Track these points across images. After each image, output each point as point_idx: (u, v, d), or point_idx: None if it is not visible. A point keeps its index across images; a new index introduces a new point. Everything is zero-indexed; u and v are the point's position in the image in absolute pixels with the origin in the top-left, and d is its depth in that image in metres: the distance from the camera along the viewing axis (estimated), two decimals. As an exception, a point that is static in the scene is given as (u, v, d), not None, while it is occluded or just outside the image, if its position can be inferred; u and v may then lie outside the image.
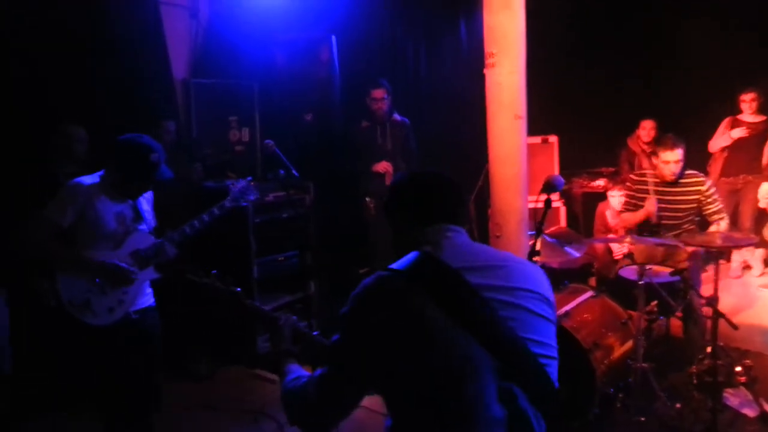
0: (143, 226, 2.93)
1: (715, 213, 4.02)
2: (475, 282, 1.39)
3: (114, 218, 2.80)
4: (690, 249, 4.01)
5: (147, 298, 2.97)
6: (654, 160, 4.16)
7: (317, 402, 1.47)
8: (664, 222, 4.12)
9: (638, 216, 4.16)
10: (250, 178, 4.52)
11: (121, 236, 2.83)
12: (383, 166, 4.91)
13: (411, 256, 1.45)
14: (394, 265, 1.44)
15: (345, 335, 1.44)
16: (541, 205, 2.51)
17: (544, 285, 1.52)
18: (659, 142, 4.18)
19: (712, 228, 3.95)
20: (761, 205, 5.49)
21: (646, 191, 4.15)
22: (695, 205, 4.05)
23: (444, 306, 1.34)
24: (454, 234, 1.53)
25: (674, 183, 4.04)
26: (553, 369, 1.43)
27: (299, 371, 1.66)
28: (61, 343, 3.04)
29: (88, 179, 2.78)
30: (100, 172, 2.84)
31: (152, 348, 2.96)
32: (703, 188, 4.02)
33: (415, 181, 1.65)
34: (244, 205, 3.37)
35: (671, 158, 3.95)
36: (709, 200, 4.02)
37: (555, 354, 1.46)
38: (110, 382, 2.84)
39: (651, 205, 4.05)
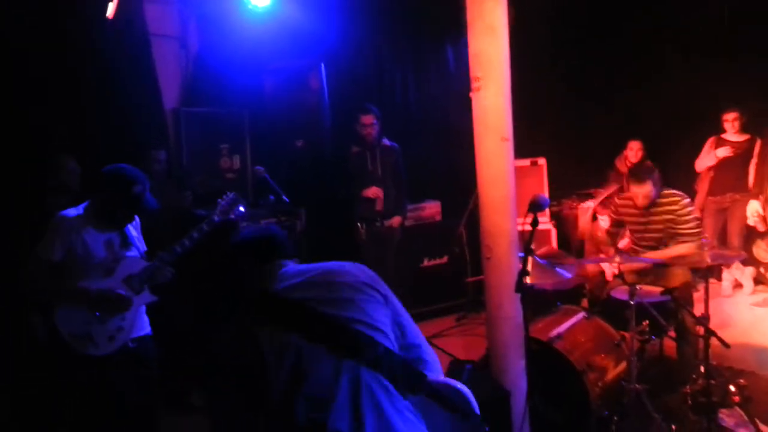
0: (132, 252, 2.93)
1: (687, 235, 3.93)
2: (298, 296, 1.76)
3: (103, 247, 2.81)
4: (681, 271, 4.02)
5: (144, 326, 2.96)
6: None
7: None
8: (645, 243, 4.15)
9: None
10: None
11: (112, 264, 2.83)
12: (373, 192, 4.94)
13: (246, 296, 1.85)
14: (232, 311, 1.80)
15: (212, 385, 1.83)
16: (528, 226, 2.52)
17: (360, 274, 1.87)
18: (631, 172, 4.28)
19: (680, 247, 3.95)
20: (750, 222, 5.53)
21: (627, 214, 4.21)
22: (670, 224, 4.04)
23: (277, 325, 1.69)
24: (281, 267, 1.92)
25: (652, 205, 4.08)
26: (379, 336, 1.73)
27: None
28: (57, 376, 3.00)
29: (73, 211, 2.80)
30: (85, 203, 2.86)
31: (149, 376, 2.93)
32: (676, 207, 3.97)
33: (240, 244, 2.01)
34: (233, 219, 3.36)
35: (639, 191, 4.02)
36: (681, 219, 3.96)
37: (376, 324, 1.76)
38: (109, 412, 2.80)
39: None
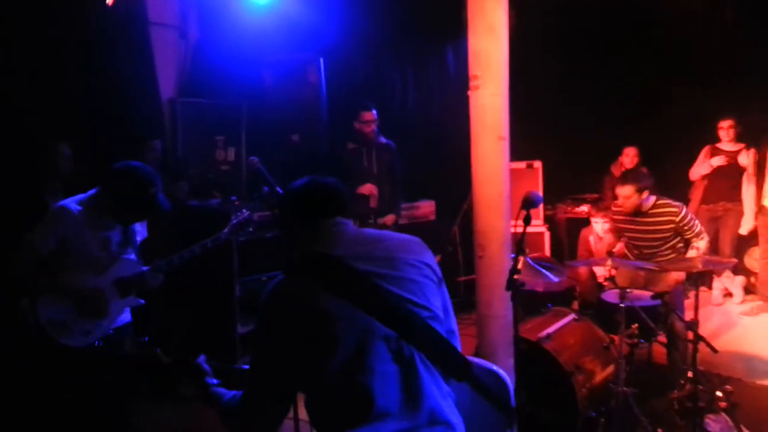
0: (130, 253, 2.90)
1: (694, 237, 4.05)
2: (361, 267, 1.62)
3: (98, 245, 2.77)
4: (673, 276, 4.04)
5: (124, 315, 2.93)
6: None
7: (253, 409, 1.63)
8: (642, 251, 4.17)
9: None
10: (235, 197, 4.54)
11: (105, 263, 2.80)
12: (368, 189, 4.93)
13: (301, 256, 1.68)
14: (289, 268, 1.66)
15: (259, 339, 1.64)
16: (521, 228, 2.51)
17: (421, 252, 1.76)
18: (621, 175, 4.29)
19: (690, 252, 3.98)
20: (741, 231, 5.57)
21: (622, 221, 4.23)
22: (671, 234, 4.07)
23: (335, 292, 1.56)
24: (341, 226, 1.75)
25: (644, 213, 4.09)
26: (434, 322, 1.66)
27: (230, 392, 1.78)
28: (40, 363, 2.98)
29: (75, 204, 2.73)
30: (91, 192, 2.79)
31: (125, 363, 2.91)
32: (676, 219, 4.02)
33: (297, 190, 1.83)
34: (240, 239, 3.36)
35: (620, 193, 4.05)
36: (686, 227, 4.04)
37: (436, 311, 1.70)
38: (85, 402, 2.78)
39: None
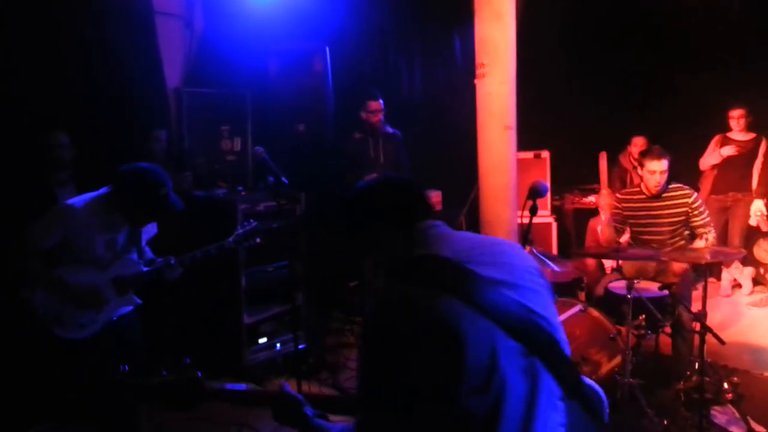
0: (133, 253, 2.90)
1: (701, 226, 4.02)
2: (485, 273, 1.39)
3: (103, 245, 2.77)
4: (680, 266, 4.01)
5: (129, 302, 2.93)
6: (639, 172, 4.17)
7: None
8: (652, 237, 4.13)
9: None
10: (241, 188, 4.53)
11: (108, 261, 2.80)
12: (374, 179, 4.91)
13: (409, 260, 1.45)
14: (394, 273, 1.45)
15: (376, 361, 1.39)
16: (527, 219, 2.50)
17: (531, 258, 1.58)
18: (646, 152, 4.20)
19: (698, 242, 3.95)
20: (752, 222, 5.51)
21: (631, 209, 4.16)
22: (683, 218, 4.05)
23: (464, 302, 1.33)
24: (438, 228, 1.54)
25: (658, 197, 4.05)
26: (559, 334, 1.47)
27: (334, 426, 1.59)
28: (43, 352, 2.99)
29: (82, 204, 2.72)
30: (101, 192, 2.78)
31: (130, 350, 2.91)
32: (689, 200, 4.02)
33: (384, 188, 1.62)
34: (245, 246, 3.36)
35: (657, 168, 3.96)
36: (695, 212, 4.03)
37: (554, 321, 1.48)
38: (89, 391, 2.79)
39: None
